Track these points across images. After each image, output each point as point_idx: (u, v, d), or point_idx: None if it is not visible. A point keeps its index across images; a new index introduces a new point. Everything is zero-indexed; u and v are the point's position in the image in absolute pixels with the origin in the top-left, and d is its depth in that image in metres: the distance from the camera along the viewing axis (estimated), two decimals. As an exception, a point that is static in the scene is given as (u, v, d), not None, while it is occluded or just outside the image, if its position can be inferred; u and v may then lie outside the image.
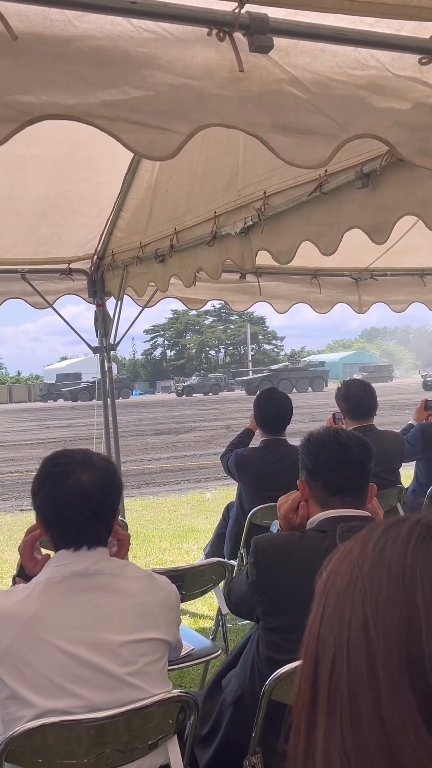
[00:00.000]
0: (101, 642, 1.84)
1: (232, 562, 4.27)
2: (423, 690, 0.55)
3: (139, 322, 5.32)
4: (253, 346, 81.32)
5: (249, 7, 1.68)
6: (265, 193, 3.10)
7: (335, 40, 1.81)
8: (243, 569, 2.42)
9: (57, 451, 2.05)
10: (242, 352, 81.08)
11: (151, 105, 1.71)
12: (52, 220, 4.37)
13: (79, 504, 1.88)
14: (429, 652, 0.55)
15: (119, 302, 4.95)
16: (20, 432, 25.67)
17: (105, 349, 5.22)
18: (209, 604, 5.03)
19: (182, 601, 2.50)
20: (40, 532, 2.05)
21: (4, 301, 4.93)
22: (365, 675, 0.57)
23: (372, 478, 2.26)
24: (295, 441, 4.39)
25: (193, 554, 6.65)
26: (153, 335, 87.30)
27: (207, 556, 4.96)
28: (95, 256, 4.94)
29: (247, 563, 2.35)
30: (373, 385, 4.70)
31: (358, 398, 4.27)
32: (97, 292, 5.06)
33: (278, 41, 1.74)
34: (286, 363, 54.26)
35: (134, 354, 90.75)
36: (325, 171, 2.69)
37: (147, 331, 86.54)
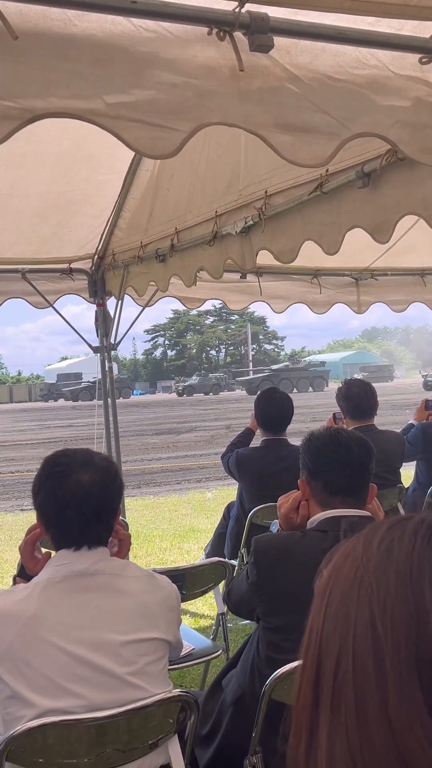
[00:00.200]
0: (102, 642, 1.84)
1: (233, 561, 4.26)
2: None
3: (139, 321, 5.32)
4: (254, 346, 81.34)
5: (249, 7, 1.68)
6: (266, 192, 3.10)
7: (336, 39, 1.80)
8: (243, 569, 2.42)
9: (58, 450, 2.05)
10: (243, 352, 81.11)
11: (152, 104, 1.71)
12: (53, 219, 4.37)
13: (79, 504, 1.88)
14: None
15: (120, 302, 4.95)
16: (21, 432, 25.68)
17: (105, 348, 5.22)
18: (210, 603, 5.03)
19: (183, 600, 2.50)
20: (40, 532, 2.05)
21: (5, 300, 4.92)
22: (372, 674, 0.56)
23: (372, 478, 2.26)
24: (295, 441, 4.39)
25: (193, 554, 6.65)
26: (154, 335, 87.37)
27: (207, 555, 4.96)
28: (96, 256, 4.94)
29: (247, 563, 2.35)
30: (374, 385, 4.70)
31: (358, 398, 4.27)
32: (97, 291, 5.06)
33: (279, 41, 1.74)
34: (287, 363, 54.26)
35: (135, 354, 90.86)
36: (326, 170, 2.69)
37: (148, 331, 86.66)
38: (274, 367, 54.08)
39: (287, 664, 2.01)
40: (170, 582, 2.06)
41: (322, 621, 0.62)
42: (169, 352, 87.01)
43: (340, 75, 1.86)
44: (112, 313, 5.12)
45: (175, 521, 8.49)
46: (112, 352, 5.27)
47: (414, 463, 5.01)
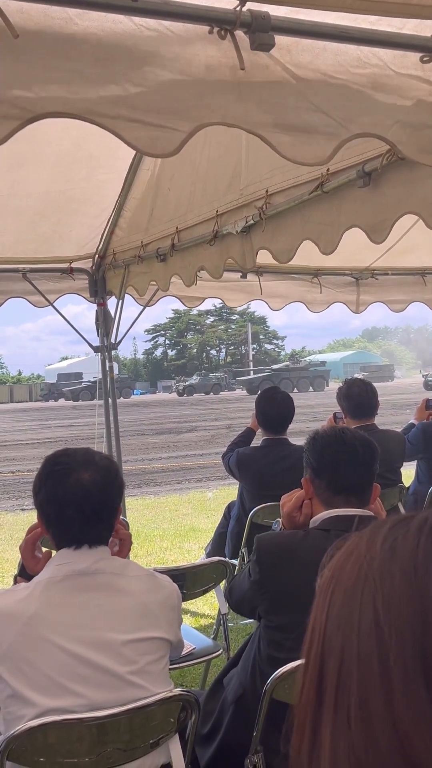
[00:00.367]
0: (103, 641, 1.84)
1: (234, 561, 4.26)
2: None
3: (140, 321, 5.32)
4: (254, 346, 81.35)
5: (250, 5, 1.68)
6: (267, 192, 3.10)
7: (337, 38, 1.80)
8: (245, 567, 2.42)
9: (58, 450, 2.05)
10: (243, 351, 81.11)
11: (153, 103, 1.71)
12: (53, 218, 4.36)
13: (80, 503, 1.88)
14: None
15: (120, 301, 4.94)
16: (21, 431, 25.68)
17: (106, 348, 5.22)
18: (210, 603, 5.03)
19: (183, 600, 2.50)
20: (41, 531, 2.05)
21: (6, 300, 4.92)
22: (377, 674, 0.56)
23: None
24: (296, 440, 4.40)
25: (194, 553, 6.65)
26: (154, 335, 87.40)
27: (208, 555, 4.96)
28: (96, 255, 4.93)
29: (249, 561, 2.35)
30: (375, 384, 4.70)
31: (359, 398, 4.27)
32: (98, 291, 5.06)
33: (279, 39, 1.74)
34: (287, 363, 54.27)
35: (135, 353, 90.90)
36: (327, 170, 2.68)
37: (148, 331, 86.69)
38: (275, 366, 54.10)
39: (288, 663, 2.01)
40: (171, 581, 2.06)
41: (324, 619, 0.62)
42: (170, 352, 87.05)
43: (341, 74, 1.86)
44: (112, 313, 5.12)
45: (175, 521, 8.49)
46: (113, 352, 5.27)
47: (414, 462, 5.02)
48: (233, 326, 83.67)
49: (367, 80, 1.88)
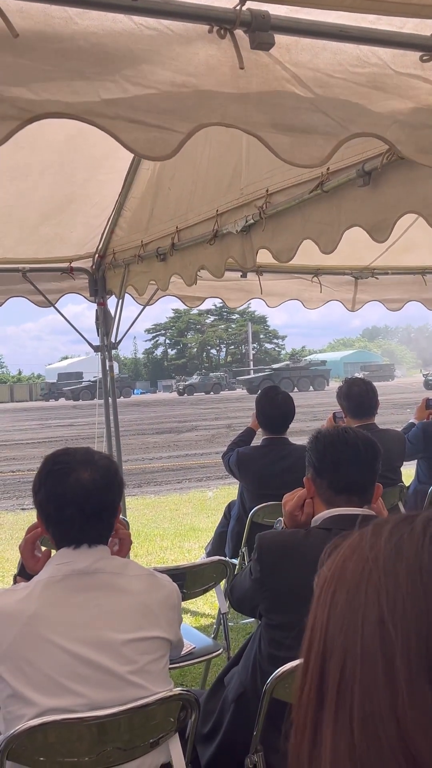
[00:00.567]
0: (103, 640, 1.84)
1: (234, 560, 4.26)
2: None
3: (140, 321, 5.32)
4: (255, 345, 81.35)
5: (250, 5, 1.68)
6: (267, 191, 3.09)
7: (337, 37, 1.80)
8: (246, 566, 2.42)
9: (58, 449, 2.05)
10: (243, 351, 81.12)
11: (152, 103, 1.71)
12: (54, 219, 4.37)
13: (80, 502, 1.88)
14: None
15: (120, 301, 4.94)
16: (22, 431, 25.68)
17: (106, 348, 5.22)
18: (210, 602, 5.03)
19: (183, 599, 2.50)
20: (41, 531, 2.05)
21: (6, 300, 4.93)
22: (381, 674, 0.55)
23: (374, 477, 2.26)
24: (296, 440, 4.41)
25: (194, 553, 6.65)
26: (154, 334, 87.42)
27: (208, 554, 4.96)
28: (96, 255, 4.93)
29: (250, 560, 2.35)
30: (375, 384, 4.69)
31: (359, 397, 4.26)
32: (98, 290, 5.06)
33: (279, 38, 1.74)
34: (288, 362, 54.29)
35: (135, 353, 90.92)
36: (327, 169, 2.68)
37: (148, 330, 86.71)
38: (275, 366, 54.12)
39: (289, 662, 2.01)
40: (171, 581, 2.06)
41: (326, 618, 0.61)
42: (170, 351, 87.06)
43: (341, 73, 1.86)
44: (112, 312, 5.12)
45: (175, 520, 8.49)
46: (113, 351, 5.27)
47: (415, 462, 5.01)
48: (233, 326, 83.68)
49: (366, 79, 1.88)
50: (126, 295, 4.87)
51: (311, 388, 48.73)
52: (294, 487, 2.35)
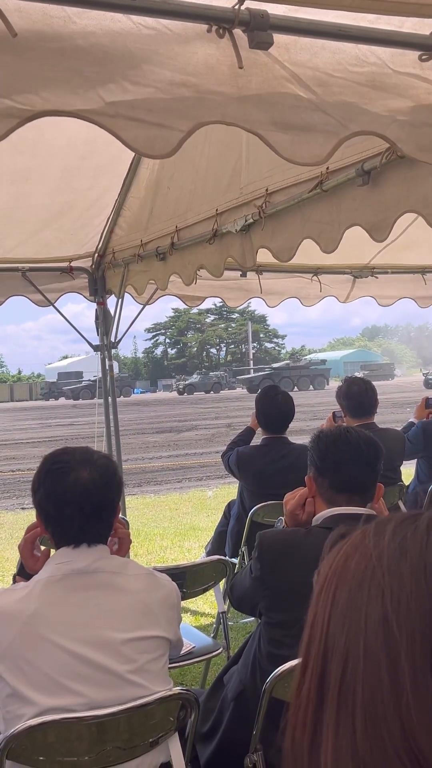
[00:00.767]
0: (102, 640, 1.84)
1: (234, 560, 4.26)
2: None
3: (140, 320, 5.32)
4: (255, 345, 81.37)
5: (249, 4, 1.68)
6: (267, 190, 3.09)
7: (335, 36, 1.80)
8: (247, 564, 2.42)
9: (57, 449, 2.05)
10: (243, 350, 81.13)
11: (151, 102, 1.71)
12: (55, 224, 4.39)
13: (79, 501, 1.88)
14: None
15: (120, 300, 4.94)
16: (21, 430, 25.68)
17: (106, 347, 5.22)
18: (210, 602, 5.03)
19: (183, 599, 2.50)
20: (40, 530, 2.05)
21: (6, 299, 4.92)
22: (385, 674, 0.55)
23: (374, 477, 2.25)
24: (295, 439, 4.41)
25: (194, 552, 6.65)
26: (154, 333, 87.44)
27: (208, 554, 4.96)
28: (96, 254, 4.93)
29: (251, 558, 2.35)
30: (375, 383, 4.69)
31: (359, 396, 4.26)
32: (97, 290, 5.06)
33: (278, 38, 1.74)
34: (288, 361, 54.30)
35: (135, 352, 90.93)
36: (327, 168, 2.68)
37: (148, 330, 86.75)
38: (275, 365, 54.15)
39: (288, 661, 2.01)
40: (170, 580, 2.06)
41: (327, 616, 0.61)
42: (170, 351, 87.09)
43: (340, 73, 1.85)
44: (112, 312, 5.12)
45: (175, 520, 8.49)
46: (113, 351, 5.27)
47: (414, 461, 5.01)
48: (233, 325, 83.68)
49: (365, 78, 1.88)
50: (125, 294, 4.87)
51: (311, 387, 48.74)
52: (294, 486, 2.35)
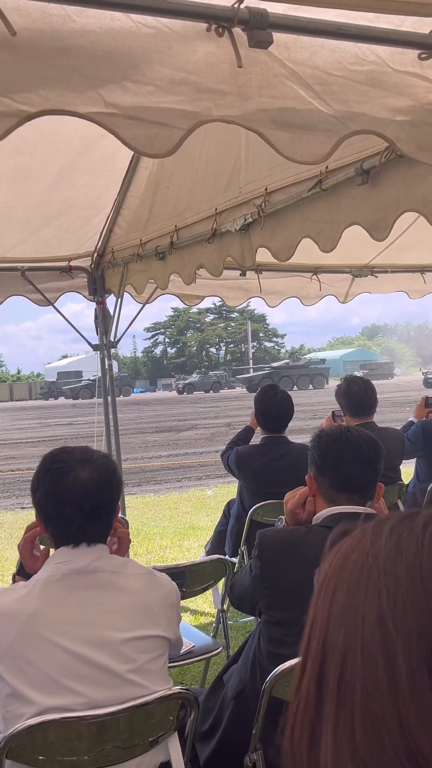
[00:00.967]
0: (102, 639, 1.84)
1: (233, 559, 4.26)
2: None
3: (139, 319, 5.33)
4: (254, 344, 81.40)
5: (248, 2, 1.68)
6: (266, 189, 3.09)
7: (335, 35, 1.80)
8: (247, 563, 2.42)
9: (56, 448, 2.04)
10: (243, 349, 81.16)
11: (151, 100, 1.70)
12: (54, 222, 4.39)
13: (78, 501, 1.88)
14: None
15: (119, 300, 4.94)
16: (21, 430, 25.68)
17: (105, 346, 5.21)
18: (210, 601, 5.03)
19: (183, 598, 2.50)
20: (40, 530, 2.05)
21: (6, 298, 4.92)
22: (383, 674, 0.55)
23: (374, 476, 2.25)
24: (295, 438, 4.41)
25: (194, 552, 6.65)
26: (154, 333, 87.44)
27: (208, 553, 4.96)
28: (95, 254, 4.93)
29: (251, 557, 2.35)
30: (374, 382, 4.69)
31: (358, 395, 4.26)
32: (97, 289, 5.06)
33: (278, 36, 1.74)
34: (287, 360, 54.30)
35: (135, 352, 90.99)
36: (326, 167, 2.68)
37: (148, 329, 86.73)
38: (275, 364, 54.13)
39: (288, 660, 2.01)
40: (170, 579, 2.06)
41: (326, 616, 0.61)
42: (170, 350, 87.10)
43: (339, 71, 1.85)
44: (111, 311, 5.12)
45: (175, 519, 8.49)
46: (112, 350, 5.27)
47: (413, 460, 5.01)
48: (233, 324, 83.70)
49: (365, 77, 1.88)
50: (125, 293, 4.87)
51: (311, 386, 48.75)
52: (293, 485, 2.35)
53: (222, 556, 3.49)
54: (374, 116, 1.90)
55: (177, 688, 1.95)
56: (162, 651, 1.96)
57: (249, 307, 73.81)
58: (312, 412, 23.36)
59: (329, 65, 1.84)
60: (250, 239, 3.33)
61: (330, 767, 0.56)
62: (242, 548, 4.28)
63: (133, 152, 3.76)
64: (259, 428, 4.51)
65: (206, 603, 5.11)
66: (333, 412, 4.43)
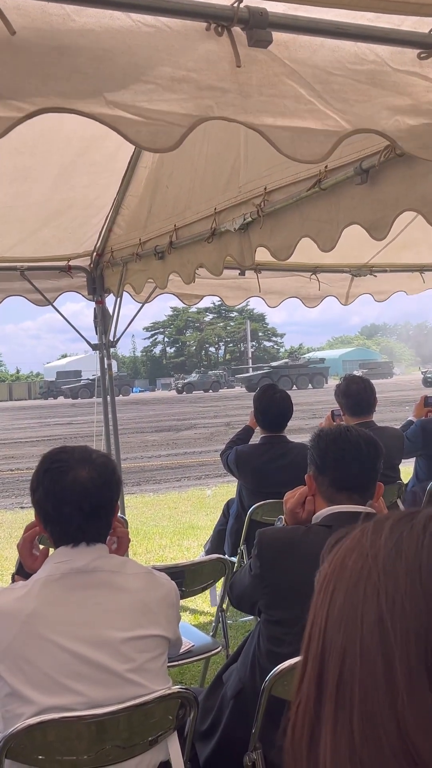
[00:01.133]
0: (101, 639, 1.84)
1: (233, 558, 4.26)
2: None
3: (138, 319, 5.33)
4: (253, 343, 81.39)
5: (248, 2, 1.68)
6: (265, 189, 3.09)
7: (335, 34, 1.80)
8: (246, 563, 2.42)
9: (56, 447, 2.04)
10: (242, 349, 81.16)
11: (152, 98, 1.70)
12: (54, 222, 4.39)
13: (77, 500, 1.88)
14: None
15: (118, 299, 4.94)
16: (20, 430, 25.67)
17: (105, 346, 5.21)
18: (209, 600, 5.03)
19: (182, 597, 2.50)
20: (39, 529, 2.05)
21: (5, 298, 4.92)
22: (381, 674, 0.55)
23: (374, 475, 2.25)
24: (294, 438, 4.41)
25: (193, 551, 6.65)
26: (153, 332, 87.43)
27: (207, 553, 4.96)
28: (94, 253, 4.93)
29: (250, 556, 2.35)
30: (374, 381, 4.69)
31: (358, 395, 4.26)
32: (96, 289, 5.05)
33: (277, 36, 1.74)
34: (287, 360, 54.31)
35: (134, 351, 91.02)
36: (325, 167, 2.68)
37: (147, 329, 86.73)
38: (274, 364, 54.14)
39: (288, 659, 2.01)
40: (169, 579, 2.06)
41: (325, 616, 0.61)
42: (169, 350, 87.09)
43: (339, 70, 1.85)
44: (111, 311, 5.12)
45: (174, 518, 8.49)
46: (111, 350, 5.26)
47: (413, 459, 5.01)
48: (232, 324, 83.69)
49: (365, 77, 1.88)
50: (124, 293, 4.87)
51: (310, 386, 48.75)
52: (292, 485, 2.35)
53: (221, 556, 3.49)
54: (374, 115, 1.90)
55: (176, 688, 1.95)
56: (161, 650, 1.96)
57: (248, 307, 73.82)
58: (311, 412, 23.36)
59: (329, 64, 1.84)
60: (250, 239, 3.33)
61: (329, 767, 0.57)
62: (241, 547, 4.28)
63: (132, 152, 3.79)
64: (258, 428, 4.51)
65: (205, 602, 5.11)
66: (332, 411, 4.43)
